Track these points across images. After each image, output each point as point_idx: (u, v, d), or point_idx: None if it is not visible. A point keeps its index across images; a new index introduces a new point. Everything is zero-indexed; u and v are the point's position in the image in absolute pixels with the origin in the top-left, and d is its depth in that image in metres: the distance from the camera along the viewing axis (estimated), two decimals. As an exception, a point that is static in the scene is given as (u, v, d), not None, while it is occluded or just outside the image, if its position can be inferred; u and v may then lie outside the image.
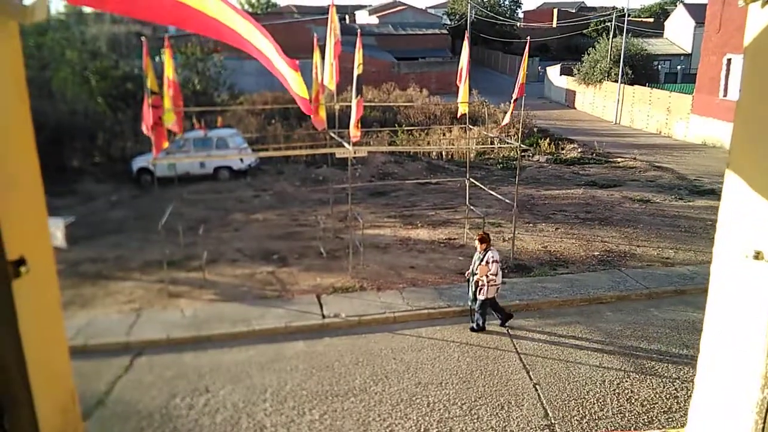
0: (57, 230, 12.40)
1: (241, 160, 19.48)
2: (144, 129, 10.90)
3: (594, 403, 7.59)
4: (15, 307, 1.21)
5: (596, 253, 12.78)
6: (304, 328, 9.63)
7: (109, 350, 9.04)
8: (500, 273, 9.32)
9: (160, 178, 15.05)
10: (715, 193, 17.78)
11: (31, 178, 1.42)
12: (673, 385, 7.98)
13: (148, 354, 8.94)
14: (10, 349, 1.21)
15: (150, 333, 9.40)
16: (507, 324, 9.62)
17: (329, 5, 11.52)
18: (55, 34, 23.80)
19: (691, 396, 7.50)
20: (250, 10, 73.84)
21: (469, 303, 9.58)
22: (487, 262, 9.07)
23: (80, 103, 22.00)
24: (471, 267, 9.38)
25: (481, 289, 9.17)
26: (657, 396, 7.74)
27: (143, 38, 11.60)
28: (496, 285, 9.21)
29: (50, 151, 18.28)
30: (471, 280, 9.33)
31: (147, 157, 17.39)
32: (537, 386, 8.01)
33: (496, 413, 7.42)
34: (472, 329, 9.51)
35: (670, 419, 7.24)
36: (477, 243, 9.38)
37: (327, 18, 11.84)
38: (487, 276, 9.06)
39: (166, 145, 11.40)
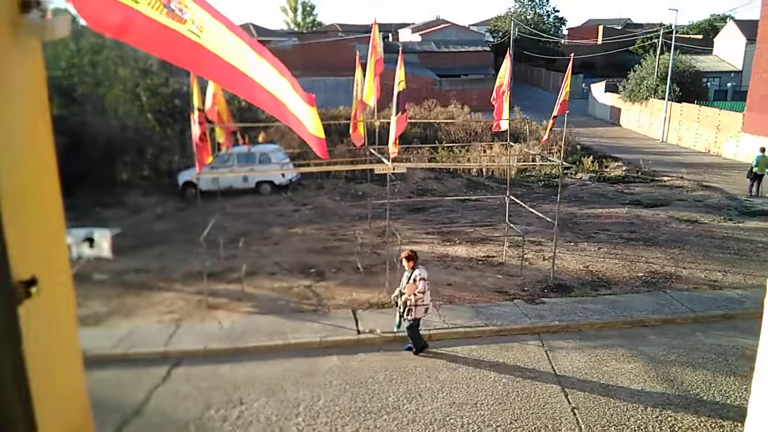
0: (103, 241, 12.78)
1: (283, 174, 19.77)
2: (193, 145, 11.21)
3: (635, 430, 7.32)
4: (20, 329, 1.22)
5: (640, 274, 12.41)
6: (339, 343, 9.62)
7: (148, 360, 9.21)
8: (428, 291, 8.97)
9: (204, 192, 15.38)
10: (766, 214, 17.11)
11: (50, 196, 1.44)
12: (719, 414, 7.63)
13: (185, 365, 9.07)
14: (11, 371, 1.22)
15: (188, 344, 9.55)
16: (421, 353, 9.19)
17: (372, 23, 11.64)
18: (110, 53, 24.76)
19: (736, 427, 7.19)
20: (297, 29, 75.41)
21: (395, 329, 9.21)
22: (415, 280, 8.72)
23: (131, 119, 22.77)
24: (399, 287, 9.04)
25: (409, 309, 8.82)
26: (701, 425, 7.41)
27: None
28: (424, 305, 8.88)
29: (101, 164, 18.99)
30: (399, 301, 8.97)
31: (192, 171, 17.83)
32: (575, 410, 7.79)
33: (532, 436, 7.24)
34: (411, 349, 9.19)
35: (716, 450, 6.93)
36: (404, 261, 8.99)
37: (370, 36, 11.97)
38: (415, 295, 8.71)
39: (209, 160, 11.66)
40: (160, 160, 21.78)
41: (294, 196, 19.68)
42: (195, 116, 10.58)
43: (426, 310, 9.02)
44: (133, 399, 8.14)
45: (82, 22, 3.09)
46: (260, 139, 18.97)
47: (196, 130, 10.55)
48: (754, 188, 20.03)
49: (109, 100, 23.12)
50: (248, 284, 11.82)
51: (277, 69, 4.03)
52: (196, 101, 10.55)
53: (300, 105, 4.22)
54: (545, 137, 13.08)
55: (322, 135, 4.56)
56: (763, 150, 20.49)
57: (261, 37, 54.89)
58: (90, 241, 12.77)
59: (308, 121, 4.40)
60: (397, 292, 9.12)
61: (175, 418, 7.72)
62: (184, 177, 19.47)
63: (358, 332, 9.88)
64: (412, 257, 8.97)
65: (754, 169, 20.08)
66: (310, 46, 46.69)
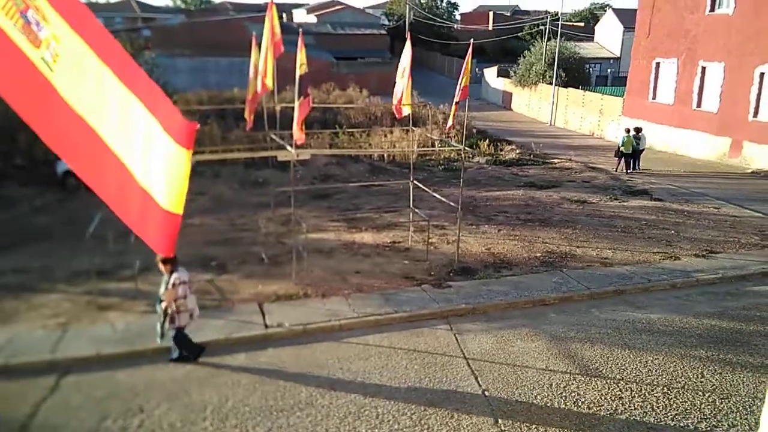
0: (-27, 239, 11.47)
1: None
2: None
3: (542, 408, 7.59)
4: None
5: (538, 255, 12.93)
6: (246, 340, 9.23)
7: (33, 369, 8.35)
8: (191, 296, 8.23)
9: (89, 182, 14.21)
10: (647, 194, 18.43)
11: None
12: (618, 386, 8.08)
13: (76, 372, 8.32)
14: None
15: (78, 349, 8.76)
16: (188, 361, 8.49)
17: (267, 2, 11.14)
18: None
19: (634, 399, 7.60)
20: (184, 6, 71.74)
21: (158, 340, 8.08)
22: (174, 285, 7.91)
23: (-1, 102, 20.62)
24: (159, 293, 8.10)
25: (172, 317, 8.04)
26: (602, 398, 7.81)
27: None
28: (188, 310, 8.14)
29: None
30: (159, 309, 8.01)
31: (74, 160, 16.42)
32: (485, 392, 7.95)
33: (446, 422, 7.30)
34: (181, 359, 8.46)
35: (615, 421, 7.32)
36: (160, 265, 7.97)
37: (264, 16, 11.45)
38: (175, 301, 7.99)
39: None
40: (36, 148, 19.87)
41: (189, 184, 18.70)
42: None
43: (191, 316, 8.21)
44: (17, 414, 7.36)
45: None
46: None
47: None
48: (622, 166, 21.91)
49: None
50: (142, 281, 11.02)
51: (149, 101, 3.29)
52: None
53: (167, 151, 3.37)
54: (450, 123, 13.20)
55: (180, 209, 3.68)
56: (627, 131, 22.29)
57: (144, 13, 51.73)
58: (-44, 240, 11.42)
59: (164, 186, 3.50)
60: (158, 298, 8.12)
61: (67, 432, 7.07)
62: (63, 166, 17.87)
63: (266, 326, 9.53)
64: (168, 260, 7.80)
65: (621, 148, 21.85)
66: (199, 24, 44.56)
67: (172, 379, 8.18)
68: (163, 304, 7.99)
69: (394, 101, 12.89)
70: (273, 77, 11.53)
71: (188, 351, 8.50)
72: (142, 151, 3.31)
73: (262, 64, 11.30)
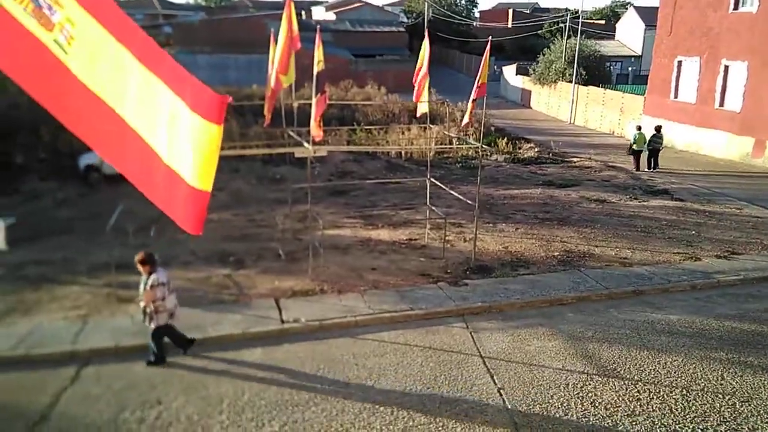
0: (-4, 232, 11.68)
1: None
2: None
3: (558, 408, 7.53)
4: None
5: (556, 254, 12.83)
6: (263, 334, 9.29)
7: (53, 360, 8.50)
8: (170, 296, 8.21)
9: (109, 176, 14.38)
10: (668, 193, 18.20)
11: None
12: (636, 387, 8.00)
13: (95, 364, 8.44)
14: None
15: (98, 341, 8.89)
16: (188, 351, 8.65)
17: (287, 0, 11.16)
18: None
19: (652, 400, 7.50)
20: (204, 3, 72.26)
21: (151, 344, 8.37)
22: (152, 287, 7.97)
23: (23, 96, 20.92)
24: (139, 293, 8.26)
25: (151, 317, 8.13)
26: (620, 399, 7.74)
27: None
28: (167, 310, 8.16)
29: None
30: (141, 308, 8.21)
31: (94, 154, 16.63)
32: (501, 391, 7.91)
33: (461, 420, 7.28)
34: (149, 362, 8.38)
35: (633, 422, 7.24)
36: (139, 266, 8.11)
37: (283, 13, 11.48)
38: (153, 302, 8.03)
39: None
40: (59, 142, 20.17)
41: (208, 180, 18.84)
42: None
43: (171, 315, 8.26)
44: (38, 404, 7.50)
45: None
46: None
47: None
48: (640, 163, 21.82)
49: (-3, 75, 21.15)
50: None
51: (172, 80, 3.21)
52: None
53: (194, 128, 3.26)
54: (466, 120, 13.14)
55: (209, 186, 3.52)
56: (639, 128, 22.14)
57: (165, 10, 52.21)
58: (-20, 232, 11.63)
59: (191, 163, 3.38)
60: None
61: (87, 422, 7.17)
62: (85, 160, 18.13)
63: (282, 322, 9.58)
64: (146, 260, 8.06)
65: (633, 146, 21.68)
66: (219, 21, 44.86)
67: (189, 372, 8.26)
68: (141, 304, 8.12)
69: (415, 98, 12.86)
70: (293, 73, 11.58)
71: (156, 351, 8.43)
72: (168, 131, 3.29)
73: (277, 60, 11.34)
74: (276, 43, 11.70)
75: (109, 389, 7.84)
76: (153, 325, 8.21)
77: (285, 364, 8.48)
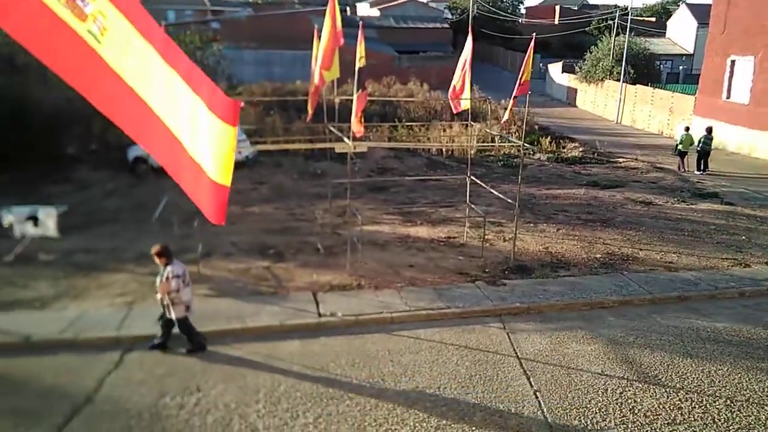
0: (49, 219, 12.12)
1: (239, 151, 19.16)
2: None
3: (596, 413, 7.40)
4: None
5: (598, 256, 12.57)
6: (300, 327, 9.40)
7: (99, 345, 8.79)
8: (185, 288, 8.31)
9: (156, 168, 14.76)
10: (717, 197, 17.61)
11: None
12: (677, 396, 7.79)
13: (139, 350, 8.70)
14: None
15: (142, 328, 9.14)
16: (198, 353, 8.60)
17: (331, -4, 11.23)
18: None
19: (693, 410, 7.29)
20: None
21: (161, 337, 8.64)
22: (167, 279, 8.14)
23: (74, 90, 21.60)
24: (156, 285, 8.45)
25: (168, 309, 8.34)
26: (660, 407, 7.54)
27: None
28: (182, 302, 8.32)
29: (46, 137, 18.00)
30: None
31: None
32: (538, 393, 7.82)
33: (495, 420, 7.23)
34: (152, 346, 8.63)
35: (672, 431, 7.06)
36: (155, 258, 8.33)
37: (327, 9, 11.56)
38: (168, 294, 8.19)
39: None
40: (109, 134, 20.80)
41: (251, 174, 19.14)
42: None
43: (187, 308, 8.43)
44: (83, 386, 7.77)
45: None
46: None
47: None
48: (687, 165, 21.24)
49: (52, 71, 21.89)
50: (204, 265, 11.43)
51: (191, 79, 3.32)
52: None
53: (211, 128, 3.38)
54: (505, 117, 13.00)
55: (228, 181, 3.61)
56: (687, 129, 21.46)
57: (214, 6, 53.14)
58: (34, 219, 12.09)
59: (212, 159, 3.49)
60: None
61: (129, 406, 7.40)
62: (134, 152, 18.66)
63: (319, 315, 9.68)
64: (162, 252, 8.28)
65: (679, 147, 21.05)
66: (265, 17, 45.44)
67: (228, 361, 8.43)
68: (157, 296, 8.32)
69: (450, 93, 12.76)
70: (336, 69, 11.65)
71: (190, 340, 8.63)
72: (189, 126, 3.39)
73: (321, 55, 11.43)
74: (320, 39, 11.80)
75: (151, 375, 8.07)
76: (171, 316, 8.40)
77: (321, 357, 8.57)
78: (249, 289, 10.67)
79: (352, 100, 11.10)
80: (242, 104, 3.45)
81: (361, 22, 13.47)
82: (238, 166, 19.01)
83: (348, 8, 62.52)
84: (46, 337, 8.87)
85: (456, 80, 12.50)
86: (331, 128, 12.99)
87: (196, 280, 10.87)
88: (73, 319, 9.42)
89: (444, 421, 7.18)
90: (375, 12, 57.68)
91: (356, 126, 10.75)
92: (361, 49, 11.77)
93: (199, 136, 3.43)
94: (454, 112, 13.65)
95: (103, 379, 7.95)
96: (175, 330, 8.61)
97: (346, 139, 11.42)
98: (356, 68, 11.64)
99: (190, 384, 7.87)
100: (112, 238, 13.03)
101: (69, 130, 19.35)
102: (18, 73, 16.72)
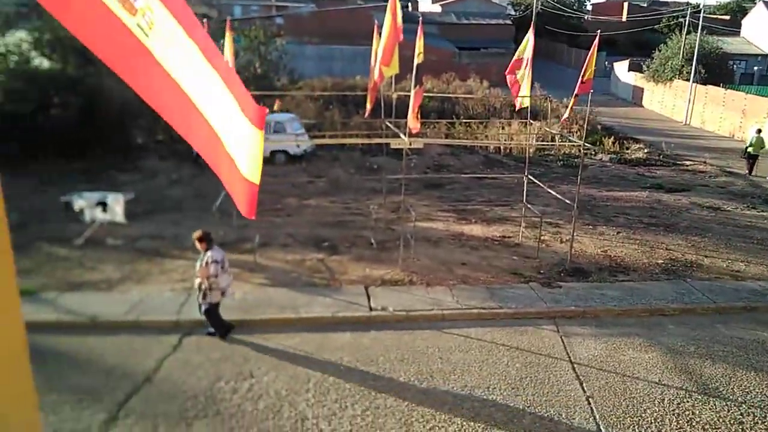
0: (117, 205, 12.69)
1: (298, 145, 19.51)
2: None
3: (651, 423, 7.16)
4: None
5: (660, 261, 12.15)
6: (351, 319, 9.50)
7: (159, 328, 9.15)
8: (223, 274, 8.55)
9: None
10: (792, 204, 16.70)
11: None
12: (739, 410, 7.45)
13: (196, 334, 9.00)
14: None
15: (200, 313, 9.45)
16: (227, 337, 8.83)
17: (393, -9, 11.25)
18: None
19: (756, 425, 6.98)
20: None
21: (200, 313, 8.86)
22: (207, 263, 8.39)
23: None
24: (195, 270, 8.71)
25: (205, 293, 8.51)
26: (720, 420, 7.24)
27: (206, 20, 11.63)
28: (220, 288, 8.53)
29: (117, 127, 18.83)
30: (196, 284, 8.66)
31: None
32: (590, 399, 7.64)
33: (544, 424, 7.11)
34: (212, 334, 8.87)
35: (734, 446, 6.76)
36: (196, 243, 8.61)
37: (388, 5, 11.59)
38: (207, 279, 8.40)
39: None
40: (175, 126, 21.58)
41: (308, 167, 19.46)
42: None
43: (223, 294, 8.63)
44: (143, 366, 8.10)
45: None
46: (276, 107, 18.67)
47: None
48: (755, 169, 20.34)
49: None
50: (261, 255, 11.71)
51: (228, 80, 3.44)
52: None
53: (243, 130, 3.53)
54: (565, 115, 12.71)
55: (257, 179, 3.73)
56: (759, 131, 20.37)
57: (278, 2, 54.09)
58: (103, 205, 12.69)
59: (244, 157, 3.64)
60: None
61: (186, 388, 7.67)
62: (198, 143, 19.26)
63: (371, 309, 9.75)
64: (204, 238, 8.56)
65: (749, 149, 20.04)
66: (327, 12, 45.92)
67: (280, 350, 8.61)
68: (197, 280, 8.55)
69: (512, 88, 12.56)
70: (396, 65, 11.68)
71: (215, 327, 8.87)
72: (226, 123, 3.52)
73: (381, 52, 11.48)
74: (380, 35, 11.85)
75: (208, 359, 8.33)
76: (205, 304, 8.62)
77: (371, 351, 8.64)
78: (303, 280, 10.85)
79: (409, 96, 11.11)
80: (267, 111, 3.61)
81: (420, 18, 13.45)
82: (296, 159, 19.45)
83: (409, 4, 62.43)
84: (111, 318, 9.30)
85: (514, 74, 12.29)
86: (388, 123, 13.04)
87: (252, 269, 11.19)
88: (136, 301, 9.83)
89: (492, 422, 7.11)
90: (436, 8, 57.35)
91: (412, 122, 10.75)
92: (420, 45, 11.76)
93: (232, 133, 3.57)
94: (517, 109, 13.42)
95: (162, 361, 8.27)
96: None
97: (402, 135, 11.44)
98: (414, 64, 11.64)
99: (244, 370, 8.08)
100: (174, 225, 13.50)
101: (137, 121, 20.15)
102: (91, 65, 17.52)
